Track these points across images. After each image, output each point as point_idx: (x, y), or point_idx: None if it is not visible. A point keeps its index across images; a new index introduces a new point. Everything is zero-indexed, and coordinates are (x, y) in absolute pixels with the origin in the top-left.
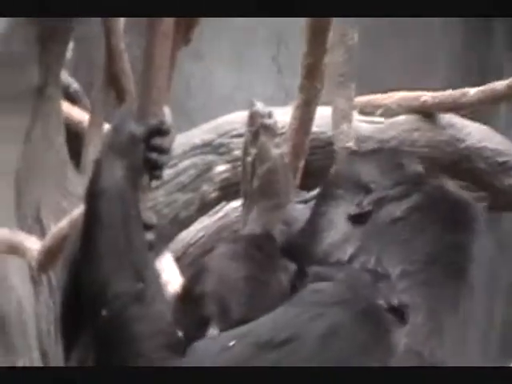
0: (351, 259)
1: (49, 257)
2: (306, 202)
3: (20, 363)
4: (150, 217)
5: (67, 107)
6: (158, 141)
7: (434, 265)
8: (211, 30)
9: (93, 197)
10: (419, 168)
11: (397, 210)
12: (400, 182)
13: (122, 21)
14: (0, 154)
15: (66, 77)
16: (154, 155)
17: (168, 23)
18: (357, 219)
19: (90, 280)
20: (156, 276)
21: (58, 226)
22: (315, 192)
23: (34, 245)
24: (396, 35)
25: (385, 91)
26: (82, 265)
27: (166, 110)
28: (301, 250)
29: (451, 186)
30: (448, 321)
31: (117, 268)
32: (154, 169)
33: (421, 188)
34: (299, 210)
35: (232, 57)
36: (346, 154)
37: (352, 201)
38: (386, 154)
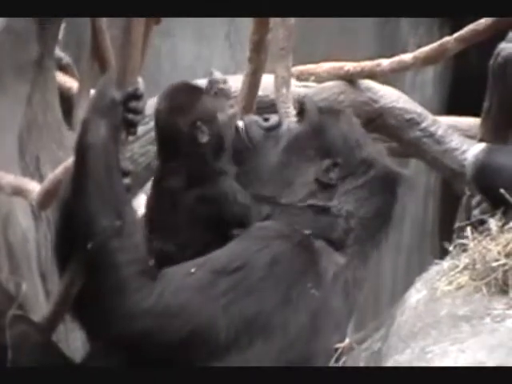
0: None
1: (46, 197)
2: (265, 129)
3: (24, 286)
4: (127, 165)
5: (60, 76)
6: (133, 104)
7: (376, 218)
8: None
9: (81, 149)
10: (372, 150)
11: (355, 182)
12: (361, 161)
13: None
14: (6, 115)
15: (58, 51)
16: (130, 115)
17: None
18: (323, 185)
19: (78, 217)
20: (133, 214)
21: (54, 173)
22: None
23: (34, 188)
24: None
25: (317, 61)
26: (72, 204)
27: (140, 79)
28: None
29: (391, 163)
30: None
31: (100, 207)
32: (130, 126)
33: (374, 166)
34: (259, 132)
35: (194, 34)
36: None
37: (319, 165)
38: (347, 121)
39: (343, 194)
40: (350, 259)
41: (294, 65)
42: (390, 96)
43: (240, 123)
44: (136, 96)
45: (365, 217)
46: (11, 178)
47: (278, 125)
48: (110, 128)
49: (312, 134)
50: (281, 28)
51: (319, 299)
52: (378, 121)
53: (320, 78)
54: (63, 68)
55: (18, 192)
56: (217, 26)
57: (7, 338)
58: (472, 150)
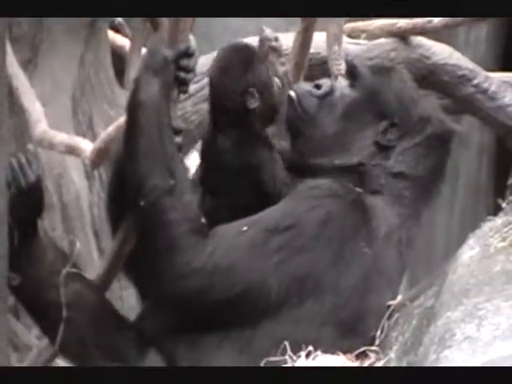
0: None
1: (99, 156)
2: (319, 97)
3: (77, 244)
4: (179, 123)
5: (112, 35)
6: (184, 62)
7: (431, 175)
8: None
9: (133, 107)
10: (427, 107)
11: (411, 142)
12: (417, 119)
13: None
14: (59, 75)
15: None
16: (181, 73)
17: None
18: (381, 147)
19: (131, 176)
20: (185, 172)
21: (106, 131)
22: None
23: (87, 146)
24: None
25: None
26: (124, 163)
27: (191, 38)
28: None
29: (446, 119)
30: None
31: (152, 166)
32: (181, 84)
33: (430, 123)
34: (312, 101)
35: None
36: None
37: (376, 128)
38: (400, 79)
39: (401, 153)
40: (403, 218)
41: (345, 22)
42: (442, 53)
43: (292, 93)
44: (187, 54)
45: (421, 175)
46: (64, 137)
47: (331, 91)
48: (161, 86)
49: (366, 98)
50: None
51: (371, 257)
52: (430, 78)
53: (372, 35)
54: (115, 27)
55: (71, 150)
56: None
57: (62, 296)
58: None
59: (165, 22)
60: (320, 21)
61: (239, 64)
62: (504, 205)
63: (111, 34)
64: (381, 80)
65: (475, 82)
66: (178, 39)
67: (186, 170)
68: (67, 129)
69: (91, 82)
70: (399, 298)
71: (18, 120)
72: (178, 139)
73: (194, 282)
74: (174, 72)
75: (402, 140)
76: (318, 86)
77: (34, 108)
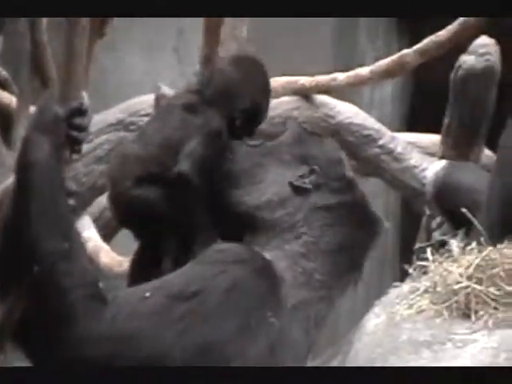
0: (277, 221)
1: None
2: (252, 146)
3: None
4: (71, 185)
5: None
6: (77, 120)
7: (339, 252)
8: (124, 23)
9: (22, 168)
10: (351, 173)
11: (329, 199)
12: (339, 178)
13: (44, 19)
14: None
15: None
16: (74, 133)
17: (84, 21)
18: (296, 189)
19: (22, 240)
20: (78, 235)
21: None
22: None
23: None
24: (285, 31)
25: (273, 76)
26: (14, 227)
27: (84, 94)
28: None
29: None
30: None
31: (46, 230)
32: (74, 144)
33: (350, 190)
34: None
35: (141, 47)
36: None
37: (294, 170)
38: (330, 147)
39: (313, 209)
40: (312, 297)
41: None
42: (346, 112)
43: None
44: (80, 111)
45: (329, 248)
46: None
47: (262, 143)
48: (52, 145)
49: (291, 144)
50: (232, 41)
51: (278, 328)
52: (335, 137)
53: (275, 93)
54: (0, 83)
55: None
56: (165, 38)
57: None
58: (432, 168)
59: (55, 77)
60: None
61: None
62: (411, 270)
63: None
64: (309, 134)
65: (381, 142)
66: (70, 96)
67: (79, 234)
68: None
69: None
70: None
71: None
72: (71, 201)
73: (93, 350)
74: (66, 130)
75: (317, 190)
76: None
77: None
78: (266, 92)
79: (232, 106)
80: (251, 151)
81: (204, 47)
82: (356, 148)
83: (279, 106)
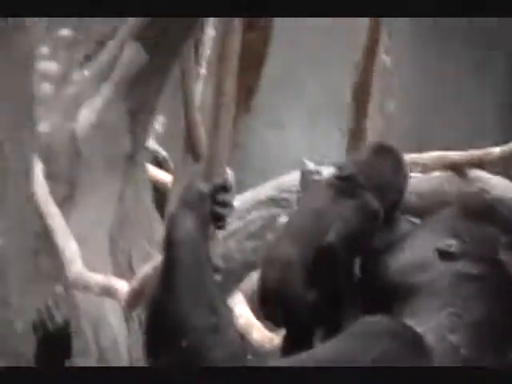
0: (421, 286)
1: (135, 297)
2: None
3: None
4: (218, 261)
5: (155, 171)
6: (221, 196)
7: (484, 326)
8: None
9: (170, 245)
10: (507, 257)
11: (475, 268)
12: (489, 253)
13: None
14: (97, 211)
15: (154, 145)
16: (218, 209)
17: (230, 93)
18: (442, 254)
19: (170, 315)
20: (228, 310)
21: (142, 271)
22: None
23: (123, 287)
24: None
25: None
26: (162, 302)
27: (228, 171)
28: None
29: None
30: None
31: (193, 304)
32: (218, 220)
33: (498, 266)
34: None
35: (305, 124)
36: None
37: (444, 239)
38: (488, 228)
39: (457, 276)
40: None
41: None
42: (501, 186)
43: None
44: (225, 188)
45: (472, 323)
46: (99, 278)
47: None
48: (197, 221)
49: (447, 218)
50: (378, 116)
51: None
52: (489, 212)
53: (426, 168)
54: (159, 163)
55: (107, 292)
56: (329, 115)
57: None
58: None
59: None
60: None
61: None
62: None
63: (154, 168)
64: None
65: None
66: (213, 172)
67: (229, 307)
68: (106, 268)
69: (130, 218)
70: None
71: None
72: (217, 278)
73: None
74: (211, 207)
75: (463, 257)
76: None
77: (69, 247)
78: (407, 182)
79: (385, 196)
80: (408, 224)
81: (352, 121)
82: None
83: (429, 180)
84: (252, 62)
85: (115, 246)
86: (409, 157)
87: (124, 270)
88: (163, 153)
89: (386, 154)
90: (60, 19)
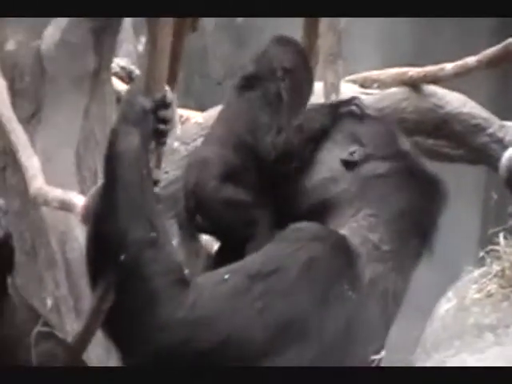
0: (335, 199)
1: (89, 211)
2: None
3: (49, 302)
4: (158, 174)
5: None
6: (162, 112)
7: (402, 219)
8: None
9: (111, 159)
10: (407, 145)
11: (380, 167)
12: (389, 147)
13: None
14: (63, 128)
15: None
16: (161, 125)
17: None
18: (346, 164)
19: (110, 229)
20: (164, 224)
21: (97, 185)
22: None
23: (79, 201)
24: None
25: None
26: (103, 216)
27: (167, 87)
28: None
29: (423, 164)
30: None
31: (133, 218)
32: (160, 136)
33: (403, 158)
34: None
35: None
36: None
37: (345, 148)
38: (383, 124)
39: (365, 180)
40: (387, 269)
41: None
42: (455, 101)
43: None
44: (165, 104)
45: (389, 218)
46: (58, 192)
47: None
48: (141, 137)
49: (345, 124)
50: (329, 33)
51: (356, 303)
52: (443, 127)
53: (383, 85)
54: (127, 77)
55: (65, 206)
56: None
57: (33, 356)
58: (506, 153)
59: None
60: (318, 70)
61: None
62: (483, 254)
63: (118, 82)
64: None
65: (490, 131)
66: (153, 89)
67: (165, 221)
68: (72, 184)
69: (96, 135)
70: (383, 352)
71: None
72: (156, 190)
73: (177, 334)
74: (153, 123)
75: (366, 161)
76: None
77: (31, 163)
78: (310, 72)
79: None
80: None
81: (303, 39)
82: (464, 137)
83: (388, 96)
84: None
85: (81, 163)
86: (368, 74)
87: (90, 186)
88: (137, 71)
89: (286, 45)
90: None
